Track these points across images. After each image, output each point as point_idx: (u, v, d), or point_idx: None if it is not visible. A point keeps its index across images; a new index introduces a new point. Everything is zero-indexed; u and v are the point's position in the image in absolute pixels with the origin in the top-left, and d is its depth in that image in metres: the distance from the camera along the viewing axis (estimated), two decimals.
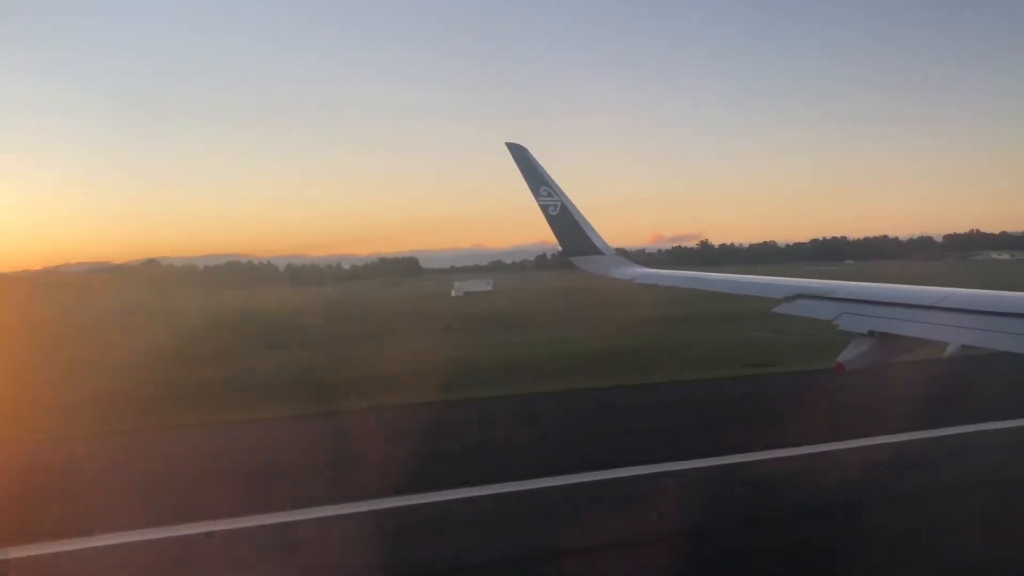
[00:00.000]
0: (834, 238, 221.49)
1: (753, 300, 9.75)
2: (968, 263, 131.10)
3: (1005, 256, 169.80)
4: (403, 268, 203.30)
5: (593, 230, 12.61)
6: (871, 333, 7.20)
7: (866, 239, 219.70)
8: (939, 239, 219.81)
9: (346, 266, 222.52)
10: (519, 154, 12.26)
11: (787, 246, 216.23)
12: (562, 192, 12.28)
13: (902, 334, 7.05)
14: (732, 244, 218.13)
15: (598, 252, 12.56)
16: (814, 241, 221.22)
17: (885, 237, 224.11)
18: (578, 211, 12.48)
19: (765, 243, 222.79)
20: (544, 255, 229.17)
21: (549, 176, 12.22)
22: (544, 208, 12.29)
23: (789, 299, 8.80)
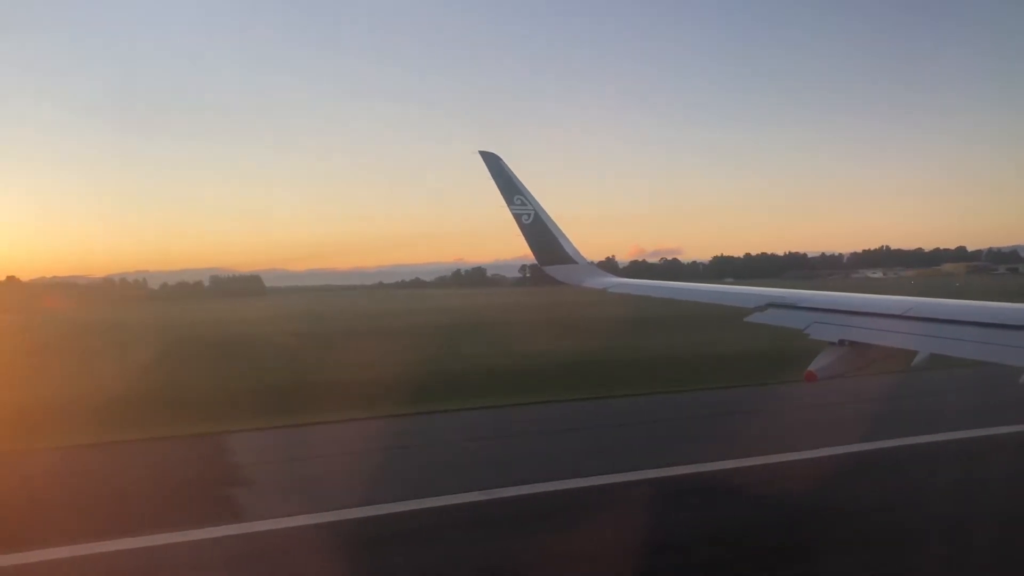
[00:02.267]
0: (744, 255, 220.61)
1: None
2: (842, 282, 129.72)
3: (879, 275, 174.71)
4: (243, 286, 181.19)
5: (567, 239, 12.61)
6: (841, 342, 7.28)
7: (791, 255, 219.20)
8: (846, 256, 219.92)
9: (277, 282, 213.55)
10: (492, 163, 12.24)
11: (690, 263, 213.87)
12: (536, 201, 12.27)
13: (872, 343, 7.14)
14: (643, 260, 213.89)
15: (572, 261, 12.56)
16: (748, 256, 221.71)
17: (791, 254, 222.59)
18: (552, 221, 12.47)
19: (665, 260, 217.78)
20: (459, 271, 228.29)
21: (523, 185, 12.21)
22: (517, 217, 12.28)
23: (761, 308, 8.87)
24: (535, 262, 12.90)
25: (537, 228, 12.30)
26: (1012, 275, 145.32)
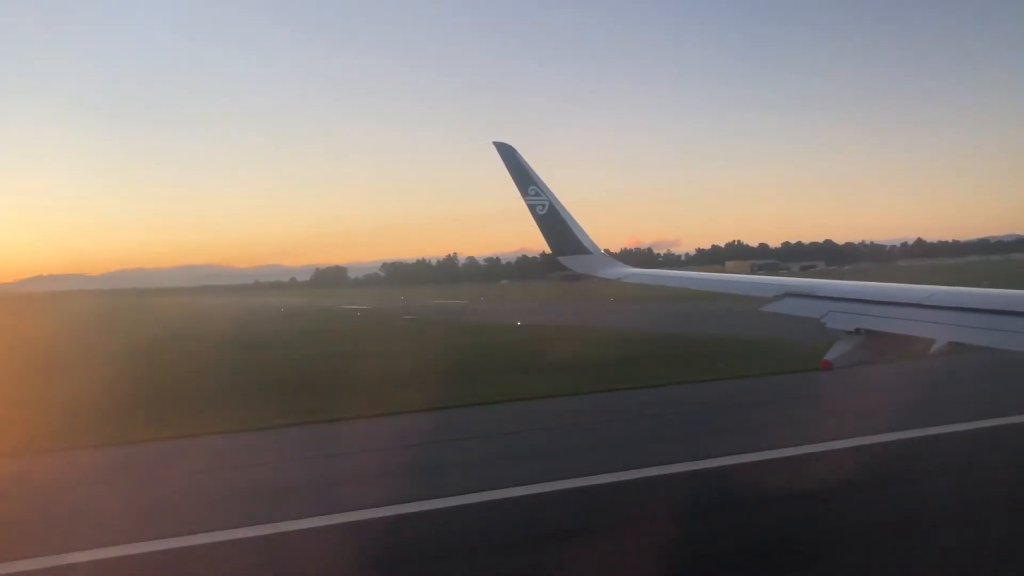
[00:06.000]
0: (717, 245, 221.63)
1: None
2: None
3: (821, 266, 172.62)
4: None
5: (581, 230, 12.58)
6: (858, 331, 7.26)
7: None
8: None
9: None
10: (507, 153, 12.21)
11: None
12: (550, 191, 12.25)
13: (889, 331, 7.12)
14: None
15: (586, 252, 12.54)
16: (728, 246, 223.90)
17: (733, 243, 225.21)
18: (567, 211, 12.45)
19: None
20: (317, 270, 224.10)
21: (537, 175, 12.18)
22: (532, 208, 12.25)
23: (777, 298, 8.86)
24: (548, 252, 12.89)
25: (552, 218, 12.27)
26: (804, 273, 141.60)
